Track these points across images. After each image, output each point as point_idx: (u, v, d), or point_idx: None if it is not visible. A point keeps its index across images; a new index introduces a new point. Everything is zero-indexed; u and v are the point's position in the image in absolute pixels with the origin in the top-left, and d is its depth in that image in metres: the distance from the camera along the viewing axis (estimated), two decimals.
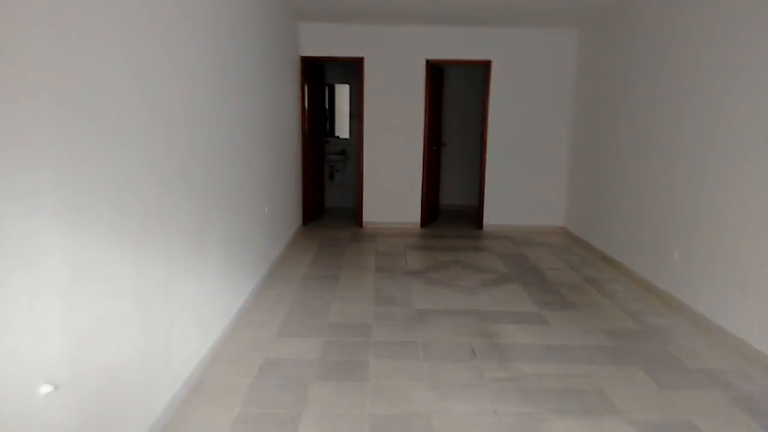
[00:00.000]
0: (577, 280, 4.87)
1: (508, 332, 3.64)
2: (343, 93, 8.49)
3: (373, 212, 6.92)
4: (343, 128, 8.61)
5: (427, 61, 6.63)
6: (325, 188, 8.22)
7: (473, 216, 7.58)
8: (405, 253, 5.65)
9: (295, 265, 5.06)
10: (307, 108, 6.69)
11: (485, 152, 6.79)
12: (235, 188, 3.69)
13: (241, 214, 3.84)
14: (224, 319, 3.41)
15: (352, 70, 8.19)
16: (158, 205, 2.39)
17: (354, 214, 7.58)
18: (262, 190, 4.52)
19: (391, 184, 6.87)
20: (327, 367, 3.07)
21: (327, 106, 8.56)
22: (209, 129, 3.10)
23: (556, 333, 3.65)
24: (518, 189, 6.88)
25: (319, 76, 7.27)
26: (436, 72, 7.00)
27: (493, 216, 6.91)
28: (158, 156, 2.39)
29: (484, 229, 6.91)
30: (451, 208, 8.32)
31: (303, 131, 6.67)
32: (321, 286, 4.50)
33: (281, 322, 3.71)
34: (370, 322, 3.74)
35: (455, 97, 8.16)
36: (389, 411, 2.64)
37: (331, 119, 8.65)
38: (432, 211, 7.28)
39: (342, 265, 5.12)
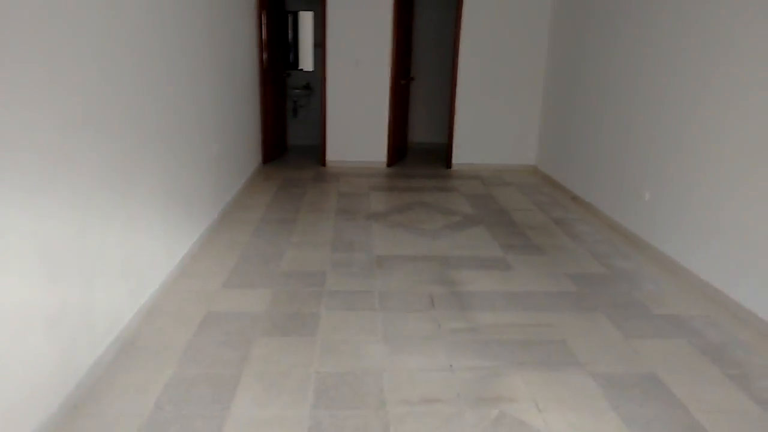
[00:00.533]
0: (545, 221, 4.70)
1: (470, 279, 3.46)
2: (307, 21, 7.93)
3: (337, 151, 6.59)
4: (307, 60, 8.10)
5: None
6: (288, 125, 7.81)
7: (443, 155, 7.30)
8: (368, 194, 5.39)
9: (251, 208, 4.77)
10: (265, 38, 6.19)
11: (455, 87, 6.44)
12: (175, 126, 3.33)
13: (184, 154, 3.50)
14: (164, 270, 3.15)
15: None
16: (63, 149, 2.06)
17: (319, 152, 7.23)
18: (211, 127, 4.15)
19: (356, 120, 6.51)
20: (274, 320, 2.86)
21: (291, 36, 8.03)
22: (136, 59, 2.71)
23: (519, 279, 3.49)
24: (489, 126, 6.59)
25: (280, 3, 6.71)
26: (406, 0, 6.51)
27: (462, 155, 6.65)
28: (60, 90, 2.04)
29: (453, 168, 6.67)
30: (421, 146, 8.02)
31: (261, 64, 6.20)
32: (276, 230, 4.24)
33: (229, 270, 3.46)
34: (326, 270, 3.52)
35: (426, 28, 7.67)
36: (337, 368, 2.46)
37: (295, 50, 8.13)
38: (399, 149, 6.98)
39: (301, 208, 4.85)
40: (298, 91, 7.70)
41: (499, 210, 5.00)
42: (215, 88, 4.28)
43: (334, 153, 6.59)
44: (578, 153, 5.38)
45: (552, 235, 4.34)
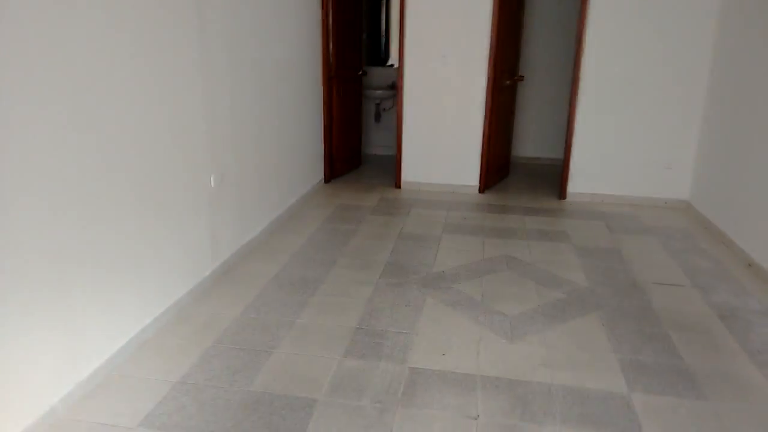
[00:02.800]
0: (705, 313, 2.96)
1: None
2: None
3: (415, 170, 5.20)
4: (396, 54, 6.77)
5: None
6: (365, 132, 6.57)
7: (555, 179, 5.61)
8: (439, 239, 3.95)
9: (271, 257, 3.56)
10: (331, 28, 4.96)
11: (576, 91, 4.74)
12: (118, 154, 2.18)
13: (143, 196, 2.36)
14: (59, 389, 2.02)
15: None
16: None
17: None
18: (208, 153, 2.99)
19: (441, 132, 5.07)
20: None
21: (384, 26, 6.76)
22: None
23: None
24: (622, 144, 4.80)
25: None
26: None
27: (581, 181, 4.93)
28: None
29: (568, 198, 4.98)
30: (527, 164, 6.35)
31: (326, 60, 4.99)
32: (284, 302, 2.98)
33: (172, 385, 2.26)
34: (317, 398, 2.19)
35: (541, 13, 5.97)
36: None
37: (386, 43, 6.86)
38: (498, 169, 5.41)
39: (338, 259, 3.55)
40: (380, 92, 6.39)
41: (629, 283, 3.32)
42: (213, 98, 3.10)
43: (411, 172, 5.21)
44: (759, 189, 3.50)
45: (716, 348, 2.62)
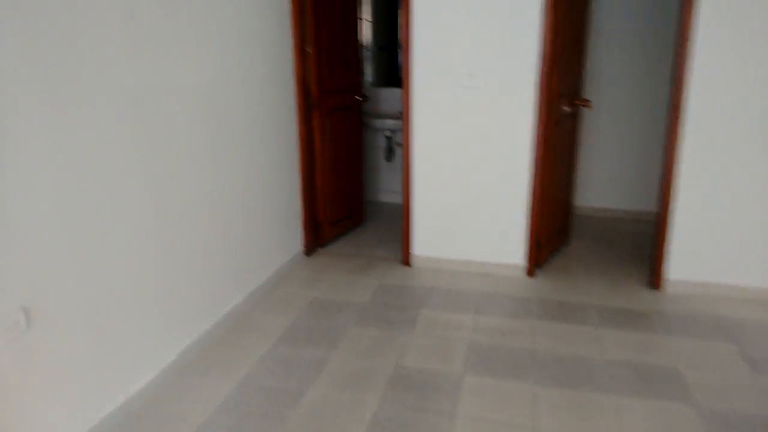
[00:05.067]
0: None
1: None
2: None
3: (430, 238, 3.58)
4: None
5: None
6: (373, 175, 5.03)
7: (641, 247, 3.89)
8: (459, 386, 2.32)
9: None
10: (310, 37, 3.45)
11: (677, 123, 3.03)
12: None
13: None
14: None
15: None
16: None
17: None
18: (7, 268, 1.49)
19: (468, 184, 3.44)
20: None
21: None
22: None
23: None
24: (758, 202, 3.06)
25: None
26: None
27: (690, 257, 3.19)
28: None
29: (667, 288, 3.24)
30: (596, 215, 4.64)
31: (301, 85, 3.47)
32: None
33: None
34: None
35: (616, 13, 4.28)
36: None
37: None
38: (554, 233, 3.72)
39: None
40: (391, 121, 4.81)
41: None
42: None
43: (425, 243, 3.59)
44: None
45: None
